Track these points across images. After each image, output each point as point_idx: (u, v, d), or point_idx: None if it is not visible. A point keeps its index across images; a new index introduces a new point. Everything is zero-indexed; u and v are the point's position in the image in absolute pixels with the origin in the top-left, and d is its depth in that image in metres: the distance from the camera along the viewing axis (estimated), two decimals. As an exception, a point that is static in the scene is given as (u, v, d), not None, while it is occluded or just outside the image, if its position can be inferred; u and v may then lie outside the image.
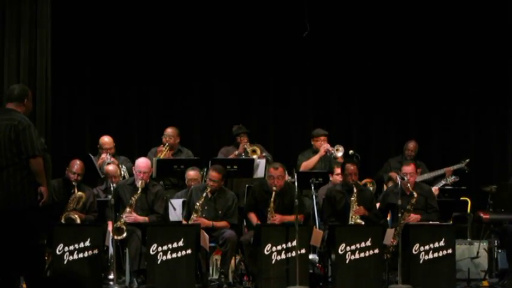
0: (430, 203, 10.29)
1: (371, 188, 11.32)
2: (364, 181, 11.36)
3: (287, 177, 10.67)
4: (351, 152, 11.63)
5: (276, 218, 9.87)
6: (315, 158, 11.64)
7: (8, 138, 7.32)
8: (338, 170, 10.81)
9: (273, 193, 9.90)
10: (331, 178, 11.00)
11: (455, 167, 12.08)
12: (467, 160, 12.12)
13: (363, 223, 9.95)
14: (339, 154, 11.57)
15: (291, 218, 9.82)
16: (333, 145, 11.69)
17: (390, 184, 11.81)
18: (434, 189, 11.36)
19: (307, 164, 11.61)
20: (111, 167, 10.82)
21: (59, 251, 9.26)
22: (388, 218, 10.43)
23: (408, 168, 10.23)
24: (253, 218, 10.08)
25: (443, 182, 11.69)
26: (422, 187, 10.48)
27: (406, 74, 13.81)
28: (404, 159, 12.10)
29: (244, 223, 10.54)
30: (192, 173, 10.64)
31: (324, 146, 11.66)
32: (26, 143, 7.30)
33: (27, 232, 7.35)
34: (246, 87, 13.69)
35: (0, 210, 7.30)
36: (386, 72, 13.81)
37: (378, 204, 10.49)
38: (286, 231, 9.38)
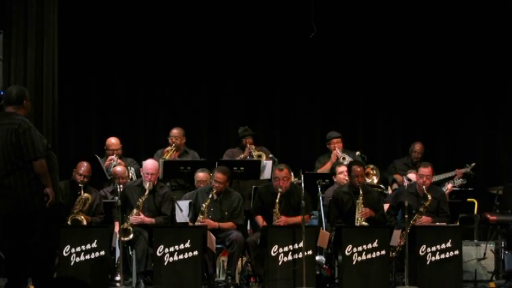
0: (442, 207, 10.29)
1: (374, 177, 11.30)
2: (366, 168, 11.25)
3: (294, 179, 10.68)
4: (357, 153, 11.64)
5: (281, 220, 9.87)
6: (327, 166, 11.67)
7: (10, 143, 7.32)
8: (339, 169, 10.82)
9: (278, 194, 9.90)
10: (334, 179, 11.00)
11: (462, 170, 12.07)
12: (473, 164, 12.11)
13: (367, 224, 9.96)
14: (345, 163, 11.57)
15: (296, 219, 9.83)
16: (345, 147, 11.72)
17: (394, 186, 11.82)
18: (451, 186, 11.39)
19: (322, 171, 11.61)
20: (119, 168, 10.82)
21: (66, 252, 9.27)
22: (396, 219, 10.45)
23: (425, 170, 10.23)
24: (260, 220, 10.08)
25: (451, 184, 11.68)
26: (437, 190, 10.47)
27: (412, 76, 13.83)
28: (411, 162, 12.13)
29: (248, 225, 10.54)
30: (201, 175, 10.65)
31: (334, 152, 11.67)
32: (27, 145, 7.30)
33: (36, 234, 7.36)
34: (252, 89, 13.69)
35: (10, 214, 7.31)
36: (393, 74, 13.82)
37: (386, 205, 10.48)
38: (292, 232, 9.38)
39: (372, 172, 11.48)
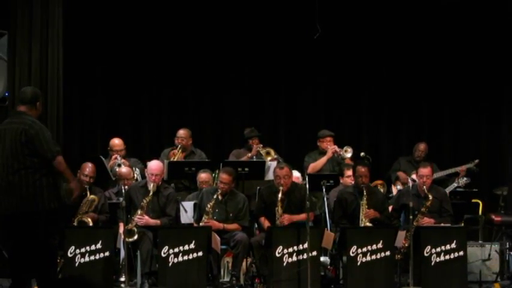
0: (444, 206, 10.28)
1: (382, 190, 11.30)
2: (374, 183, 11.34)
3: (300, 180, 10.68)
4: (362, 154, 11.64)
5: (285, 218, 9.87)
6: (323, 160, 11.64)
7: (20, 142, 7.34)
8: (348, 173, 10.80)
9: (280, 193, 9.90)
10: (341, 181, 10.99)
11: (465, 166, 12.09)
12: (477, 161, 12.18)
13: (371, 225, 9.96)
14: (348, 155, 11.60)
15: (299, 217, 9.84)
16: (340, 146, 11.70)
17: (398, 184, 11.83)
18: (464, 167, 11.52)
19: (315, 165, 11.60)
20: (124, 170, 10.82)
21: (71, 253, 9.30)
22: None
23: (425, 171, 10.22)
24: (264, 222, 10.07)
25: (455, 185, 11.70)
26: (438, 190, 10.46)
27: (416, 75, 13.82)
28: (414, 160, 12.14)
29: (256, 226, 10.54)
30: (203, 176, 10.65)
31: (331, 147, 11.66)
32: (42, 146, 7.33)
33: (40, 234, 7.36)
34: (257, 90, 13.70)
35: (13, 213, 7.33)
36: (397, 73, 13.82)
37: (390, 207, 10.48)
38: (297, 233, 9.38)
39: (379, 186, 11.47)
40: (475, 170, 12.14)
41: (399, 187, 11.81)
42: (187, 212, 10.19)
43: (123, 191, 9.84)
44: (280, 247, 9.37)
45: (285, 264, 9.36)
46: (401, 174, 12.04)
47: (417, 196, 10.16)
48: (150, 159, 10.49)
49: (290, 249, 9.37)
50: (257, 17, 13.37)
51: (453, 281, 9.61)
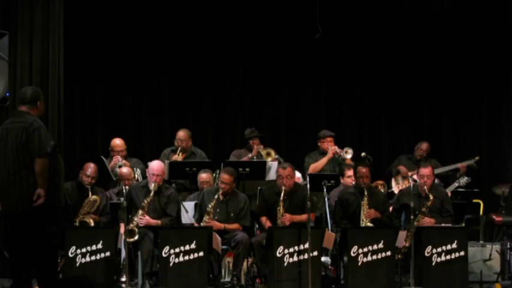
0: (445, 206, 10.27)
1: (382, 190, 11.30)
2: (375, 183, 11.33)
3: (301, 180, 10.68)
4: (363, 154, 11.64)
5: (286, 218, 9.87)
6: (323, 160, 11.65)
7: (21, 141, 7.36)
8: (349, 173, 10.80)
9: (282, 193, 9.90)
10: (342, 181, 10.99)
11: (465, 163, 12.10)
12: (477, 158, 12.19)
13: (372, 225, 9.96)
14: (348, 156, 11.61)
15: (301, 217, 9.84)
16: (340, 146, 11.70)
17: (398, 177, 11.82)
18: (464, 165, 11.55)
19: (316, 166, 11.61)
20: (125, 170, 10.81)
21: (72, 253, 9.29)
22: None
23: (426, 171, 10.21)
24: (265, 222, 10.07)
25: (456, 184, 11.69)
26: (439, 190, 10.46)
27: (417, 75, 13.81)
28: (414, 159, 12.14)
29: (257, 226, 10.54)
30: (204, 176, 10.64)
31: (332, 148, 11.66)
32: (35, 143, 7.33)
33: (40, 234, 7.37)
34: (258, 90, 13.69)
35: (14, 213, 7.34)
36: (398, 73, 13.82)
37: (390, 207, 10.48)
38: (298, 233, 9.38)
39: (380, 187, 11.47)
40: (475, 167, 12.16)
41: (399, 181, 11.81)
42: (188, 212, 10.19)
43: (124, 191, 9.84)
44: (281, 247, 9.36)
45: (285, 264, 9.36)
46: (402, 168, 12.03)
47: (418, 196, 10.16)
48: (151, 160, 10.50)
49: (291, 250, 9.37)
50: (258, 17, 13.38)
51: (454, 281, 9.60)
